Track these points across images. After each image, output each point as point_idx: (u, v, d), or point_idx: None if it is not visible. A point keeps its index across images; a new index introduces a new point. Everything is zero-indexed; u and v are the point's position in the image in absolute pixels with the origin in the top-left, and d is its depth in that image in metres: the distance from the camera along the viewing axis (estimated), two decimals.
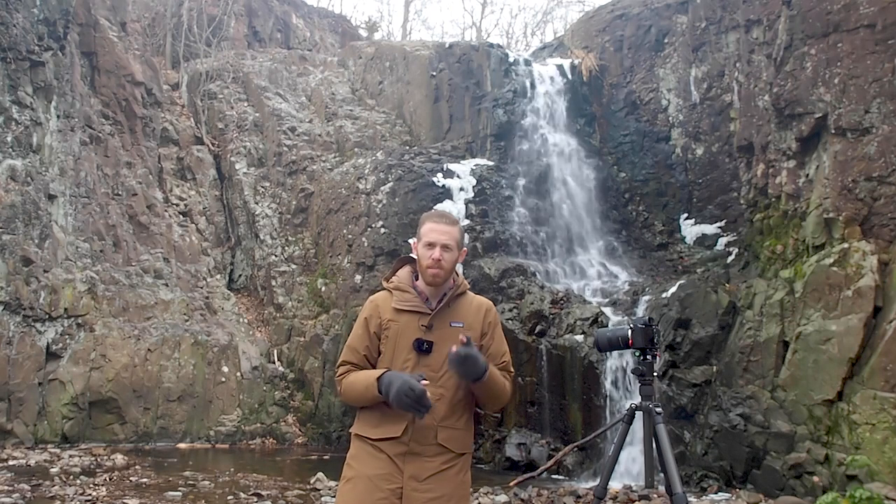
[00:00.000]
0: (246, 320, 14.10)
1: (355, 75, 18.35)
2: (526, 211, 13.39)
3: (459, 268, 11.93)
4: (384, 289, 3.25)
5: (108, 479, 8.54)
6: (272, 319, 14.11)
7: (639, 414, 3.75)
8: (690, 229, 13.47)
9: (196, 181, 15.45)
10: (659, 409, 3.69)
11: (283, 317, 13.94)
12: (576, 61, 15.48)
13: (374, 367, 3.14)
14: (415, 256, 3.23)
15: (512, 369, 3.28)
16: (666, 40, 14.70)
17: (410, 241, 3.27)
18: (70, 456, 9.67)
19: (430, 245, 3.11)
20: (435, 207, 12.74)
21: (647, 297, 10.86)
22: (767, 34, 11.08)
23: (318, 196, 14.76)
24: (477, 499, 8.12)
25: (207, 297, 13.67)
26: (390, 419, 3.02)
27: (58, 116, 12.06)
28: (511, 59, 15.51)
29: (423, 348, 3.05)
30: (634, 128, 14.81)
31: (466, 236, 12.43)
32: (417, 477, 2.99)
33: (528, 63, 15.62)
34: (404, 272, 3.26)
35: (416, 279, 3.21)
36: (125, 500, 7.54)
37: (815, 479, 8.10)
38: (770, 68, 10.76)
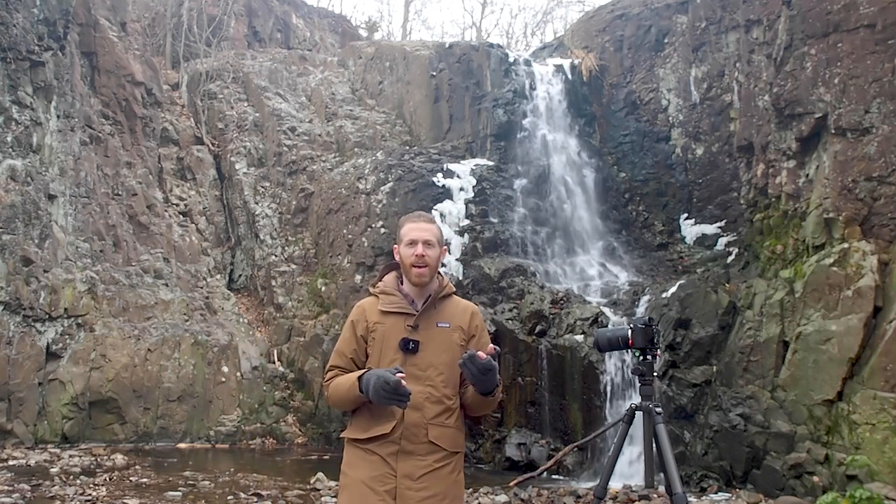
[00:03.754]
0: (246, 320, 14.10)
1: (355, 75, 18.36)
2: (526, 211, 13.39)
3: (459, 269, 11.81)
4: (371, 294, 3.29)
5: (108, 479, 8.55)
6: (272, 319, 14.11)
7: (639, 414, 3.75)
8: (690, 229, 13.47)
9: (196, 181, 15.45)
10: (659, 409, 3.69)
11: (283, 317, 13.94)
12: (576, 61, 15.48)
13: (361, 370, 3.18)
14: (398, 260, 3.25)
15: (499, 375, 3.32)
16: (666, 40, 14.70)
17: (393, 245, 3.25)
18: (70, 456, 9.67)
19: (412, 243, 3.13)
20: (434, 207, 12.75)
21: (647, 297, 10.86)
22: (767, 34, 11.08)
23: (318, 196, 14.76)
24: (477, 499, 8.12)
25: (207, 297, 13.67)
26: (380, 419, 3.04)
27: (58, 116, 12.06)
28: (511, 59, 15.51)
29: (409, 348, 3.07)
30: (634, 128, 14.81)
31: (466, 236, 12.44)
32: (411, 476, 3.00)
33: (528, 63, 15.62)
34: (390, 277, 3.29)
35: (402, 283, 3.24)
36: (125, 500, 7.54)
37: (815, 479, 8.10)
38: (770, 68, 10.76)
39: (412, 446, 3.02)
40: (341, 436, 3.26)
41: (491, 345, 3.04)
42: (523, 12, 52.08)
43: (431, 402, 3.06)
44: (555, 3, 39.36)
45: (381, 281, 3.31)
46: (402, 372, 2.92)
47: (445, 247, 3.33)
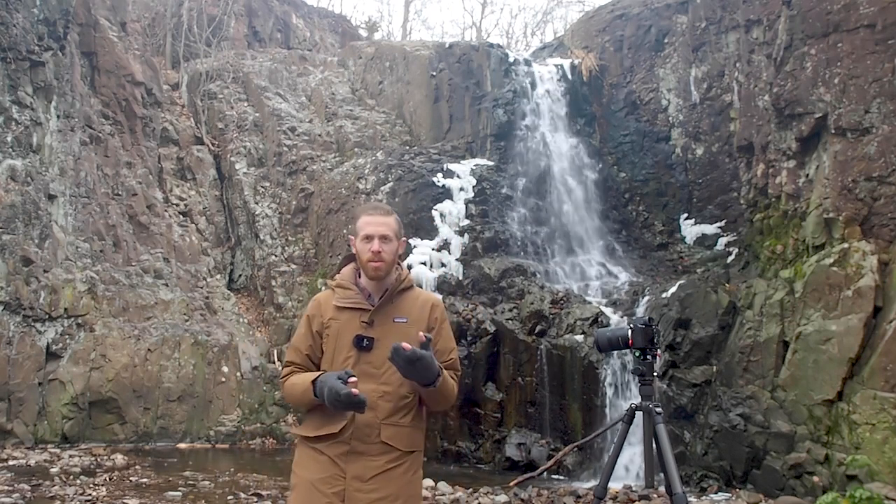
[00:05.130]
0: (246, 320, 14.10)
1: (355, 75, 18.35)
2: (526, 211, 13.39)
3: (459, 269, 11.76)
4: (329, 288, 3.19)
5: (108, 479, 8.54)
6: (272, 319, 14.11)
7: (639, 414, 3.75)
8: (690, 229, 13.47)
9: (196, 181, 15.45)
10: (659, 409, 3.69)
11: (283, 317, 13.94)
12: (576, 61, 15.48)
13: (317, 366, 3.09)
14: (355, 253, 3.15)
15: (459, 368, 3.17)
16: (666, 40, 14.70)
17: (349, 237, 3.18)
18: (70, 456, 9.67)
19: (368, 238, 3.04)
20: (434, 207, 12.76)
21: (647, 297, 10.86)
22: (767, 34, 11.08)
23: (318, 196, 14.76)
24: (477, 499, 8.12)
25: (207, 297, 13.66)
26: (330, 417, 2.95)
27: (58, 116, 12.06)
28: (511, 59, 15.51)
29: (363, 345, 2.98)
30: (634, 128, 14.81)
31: (466, 236, 12.44)
32: (361, 477, 2.91)
33: (528, 63, 15.62)
34: (348, 269, 3.18)
35: (360, 276, 3.13)
36: (125, 500, 7.54)
37: (815, 479, 8.10)
38: (770, 68, 10.75)
39: (363, 447, 2.93)
40: (292, 432, 3.20)
41: (422, 332, 2.91)
42: (523, 12, 52.12)
43: (386, 401, 2.96)
44: (555, 3, 39.40)
45: (338, 273, 3.20)
46: (353, 377, 2.83)
47: (404, 238, 3.21)
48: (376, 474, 2.92)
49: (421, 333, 2.88)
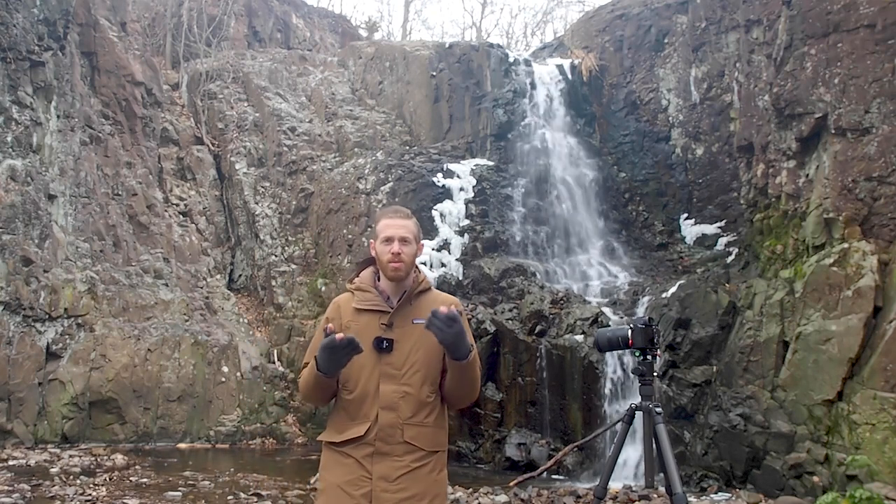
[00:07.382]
0: (246, 320, 14.10)
1: (355, 75, 18.35)
2: (526, 211, 13.39)
3: (459, 269, 11.73)
4: (348, 291, 3.23)
5: (108, 479, 8.55)
6: (272, 319, 14.11)
7: (639, 414, 3.75)
8: (690, 229, 13.47)
9: (196, 181, 15.45)
10: (659, 409, 3.68)
11: (283, 317, 13.94)
12: (576, 61, 15.49)
13: None
14: (374, 256, 3.19)
15: (479, 364, 3.19)
16: (666, 40, 14.70)
17: (369, 241, 3.21)
18: (70, 456, 9.67)
19: (388, 240, 3.08)
20: (434, 207, 12.76)
21: (647, 297, 10.86)
22: (767, 34, 11.08)
23: (318, 196, 14.76)
24: (477, 499, 8.12)
25: (207, 297, 13.67)
26: (354, 421, 3.00)
27: (58, 116, 12.06)
28: (511, 59, 15.52)
29: (382, 346, 3.00)
30: (634, 128, 14.82)
31: (466, 236, 12.44)
32: (387, 477, 2.95)
33: (528, 63, 15.63)
34: (367, 273, 3.22)
35: (378, 279, 3.18)
36: (125, 500, 7.54)
37: (815, 479, 8.10)
38: (770, 68, 10.75)
39: (388, 447, 2.97)
40: (318, 439, 3.21)
41: (453, 306, 2.94)
42: (523, 12, 52.14)
43: (407, 402, 2.99)
44: (555, 3, 39.43)
45: (357, 276, 3.24)
46: (330, 324, 2.91)
47: (422, 243, 3.26)
48: (402, 474, 2.96)
49: (452, 306, 2.91)
